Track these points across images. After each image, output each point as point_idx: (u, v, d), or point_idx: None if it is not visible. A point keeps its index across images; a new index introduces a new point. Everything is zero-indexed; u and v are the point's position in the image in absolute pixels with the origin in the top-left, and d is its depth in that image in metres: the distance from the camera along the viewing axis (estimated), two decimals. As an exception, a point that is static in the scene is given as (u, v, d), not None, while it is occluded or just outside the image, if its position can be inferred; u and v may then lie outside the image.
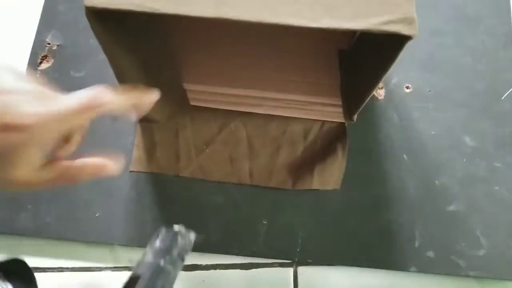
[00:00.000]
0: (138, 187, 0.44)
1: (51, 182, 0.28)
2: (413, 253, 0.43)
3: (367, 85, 0.38)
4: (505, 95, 0.48)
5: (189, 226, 0.43)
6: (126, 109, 0.30)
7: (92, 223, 0.43)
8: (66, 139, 0.30)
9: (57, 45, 0.48)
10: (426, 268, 0.42)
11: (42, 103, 0.25)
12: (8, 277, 0.33)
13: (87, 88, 0.27)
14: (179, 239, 0.31)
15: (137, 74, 0.37)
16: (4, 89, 0.25)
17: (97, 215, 0.43)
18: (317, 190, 0.44)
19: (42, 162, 0.27)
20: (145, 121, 0.45)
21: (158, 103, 0.31)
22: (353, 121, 0.44)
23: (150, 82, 0.34)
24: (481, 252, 0.43)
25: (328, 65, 0.47)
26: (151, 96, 0.30)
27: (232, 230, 0.43)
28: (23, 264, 0.35)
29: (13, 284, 0.33)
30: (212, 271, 0.43)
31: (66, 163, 0.29)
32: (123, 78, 0.36)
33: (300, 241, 0.43)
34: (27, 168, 0.26)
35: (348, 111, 0.45)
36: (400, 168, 0.45)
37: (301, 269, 0.44)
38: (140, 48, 0.38)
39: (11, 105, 0.24)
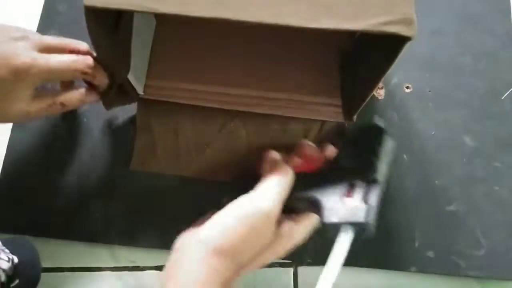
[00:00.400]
0: (139, 187, 0.44)
1: (43, 111, 0.36)
2: (413, 253, 0.43)
3: (367, 85, 0.38)
4: (505, 95, 0.48)
5: (189, 226, 0.43)
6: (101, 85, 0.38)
7: (92, 223, 0.43)
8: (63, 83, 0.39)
9: (57, 45, 0.48)
10: (426, 268, 0.42)
11: (38, 53, 0.34)
12: (14, 251, 0.35)
13: (80, 56, 0.35)
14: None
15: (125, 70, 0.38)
16: (10, 37, 0.33)
17: (97, 215, 0.43)
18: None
19: (32, 96, 0.35)
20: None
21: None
22: (353, 121, 0.44)
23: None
24: (481, 252, 0.43)
25: (328, 65, 0.47)
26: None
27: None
28: (27, 241, 0.38)
29: (18, 257, 0.35)
30: (212, 271, 0.43)
31: (53, 93, 0.37)
32: (111, 72, 0.37)
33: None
34: (21, 102, 0.34)
35: (348, 111, 0.45)
36: (400, 168, 0.45)
37: (301, 269, 0.44)
38: (128, 44, 0.38)
39: (14, 50, 0.33)
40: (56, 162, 0.45)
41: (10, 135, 0.45)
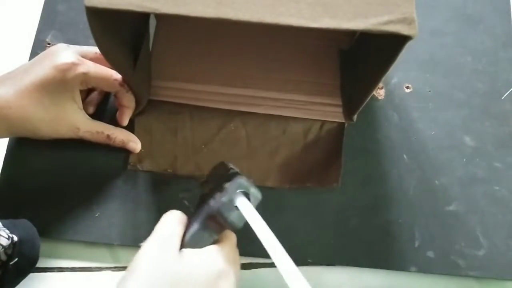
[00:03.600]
0: (138, 187, 0.44)
1: (89, 135, 0.41)
2: (413, 253, 0.43)
3: (367, 85, 0.38)
4: (505, 95, 0.48)
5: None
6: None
7: (92, 223, 0.43)
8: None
9: (57, 45, 0.48)
10: (426, 268, 0.42)
11: (81, 58, 0.38)
12: (13, 231, 0.35)
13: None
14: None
15: (130, 67, 0.39)
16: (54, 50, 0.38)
17: (97, 215, 0.43)
18: (317, 190, 0.44)
19: (85, 116, 0.41)
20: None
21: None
22: (353, 121, 0.44)
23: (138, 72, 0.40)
24: (481, 252, 0.43)
25: (328, 64, 0.47)
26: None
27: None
28: (26, 221, 0.39)
29: (17, 236, 0.36)
30: (212, 271, 0.43)
31: (105, 125, 0.42)
32: (119, 70, 0.38)
33: (300, 241, 0.43)
34: (73, 114, 0.39)
35: (348, 111, 0.45)
36: (400, 168, 0.45)
37: (301, 269, 0.43)
38: (131, 44, 0.39)
39: (57, 51, 0.38)
40: (56, 162, 0.45)
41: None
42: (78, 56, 0.38)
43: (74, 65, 0.37)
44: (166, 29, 0.48)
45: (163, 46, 0.47)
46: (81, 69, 0.37)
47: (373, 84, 0.36)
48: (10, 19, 0.51)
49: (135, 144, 0.44)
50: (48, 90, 0.37)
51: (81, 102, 0.40)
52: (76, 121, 0.40)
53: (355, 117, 0.44)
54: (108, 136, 0.42)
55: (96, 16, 0.30)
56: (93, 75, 0.38)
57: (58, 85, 0.37)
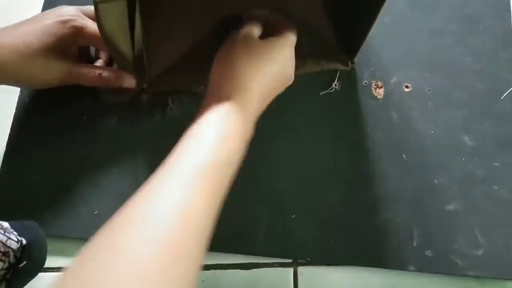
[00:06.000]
0: (137, 184, 0.44)
1: (82, 76, 0.41)
2: (412, 252, 0.43)
3: (365, 20, 0.38)
4: (505, 95, 0.48)
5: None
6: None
7: (92, 221, 0.43)
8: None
9: (57, 44, 0.48)
10: (425, 267, 0.43)
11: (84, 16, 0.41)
12: (21, 234, 0.36)
13: None
14: None
15: (130, 54, 0.40)
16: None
17: (96, 212, 0.43)
18: (317, 190, 0.44)
19: (76, 59, 0.42)
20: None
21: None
22: (354, 63, 0.45)
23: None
24: (480, 252, 0.43)
25: (319, 26, 0.47)
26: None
27: (232, 230, 0.43)
28: (34, 223, 0.39)
29: (26, 239, 0.36)
30: (212, 271, 0.43)
31: (95, 66, 0.44)
32: (121, 59, 0.39)
33: (299, 240, 0.43)
34: (66, 58, 0.40)
35: (348, 55, 0.46)
36: (399, 168, 0.45)
37: (301, 269, 0.44)
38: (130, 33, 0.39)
39: (62, 8, 0.41)
40: (55, 160, 0.45)
41: (10, 133, 0.45)
42: (80, 13, 0.41)
43: (74, 18, 0.40)
44: (161, 21, 0.47)
45: (157, 37, 0.46)
46: (79, 23, 0.40)
47: (372, 17, 0.37)
48: (10, 19, 0.51)
49: (129, 79, 0.43)
50: (44, 35, 0.39)
51: (75, 51, 0.42)
52: (68, 64, 0.41)
53: (356, 59, 0.45)
54: (99, 74, 0.42)
55: (105, 10, 0.31)
56: (89, 31, 0.40)
57: (54, 32, 0.39)
